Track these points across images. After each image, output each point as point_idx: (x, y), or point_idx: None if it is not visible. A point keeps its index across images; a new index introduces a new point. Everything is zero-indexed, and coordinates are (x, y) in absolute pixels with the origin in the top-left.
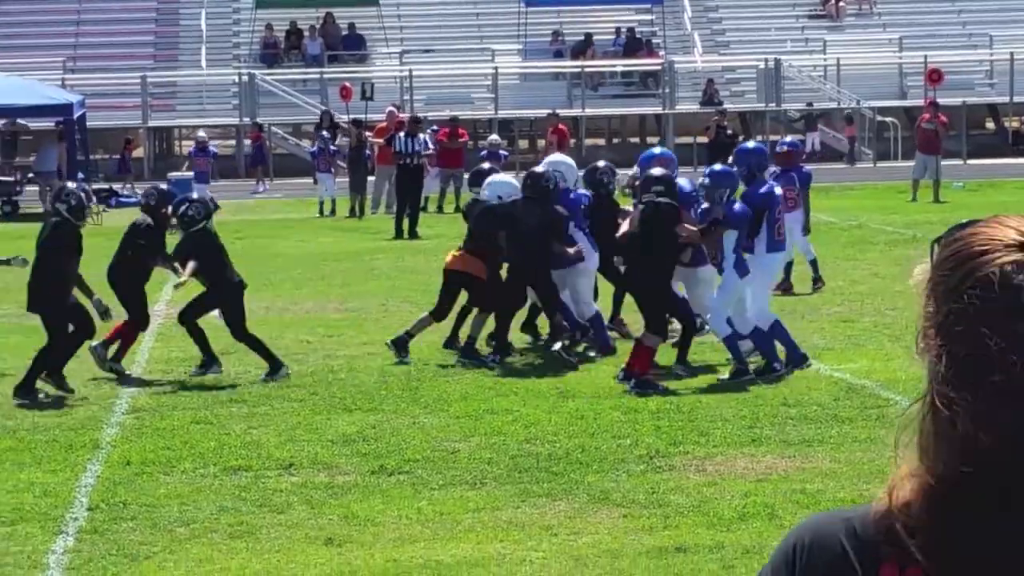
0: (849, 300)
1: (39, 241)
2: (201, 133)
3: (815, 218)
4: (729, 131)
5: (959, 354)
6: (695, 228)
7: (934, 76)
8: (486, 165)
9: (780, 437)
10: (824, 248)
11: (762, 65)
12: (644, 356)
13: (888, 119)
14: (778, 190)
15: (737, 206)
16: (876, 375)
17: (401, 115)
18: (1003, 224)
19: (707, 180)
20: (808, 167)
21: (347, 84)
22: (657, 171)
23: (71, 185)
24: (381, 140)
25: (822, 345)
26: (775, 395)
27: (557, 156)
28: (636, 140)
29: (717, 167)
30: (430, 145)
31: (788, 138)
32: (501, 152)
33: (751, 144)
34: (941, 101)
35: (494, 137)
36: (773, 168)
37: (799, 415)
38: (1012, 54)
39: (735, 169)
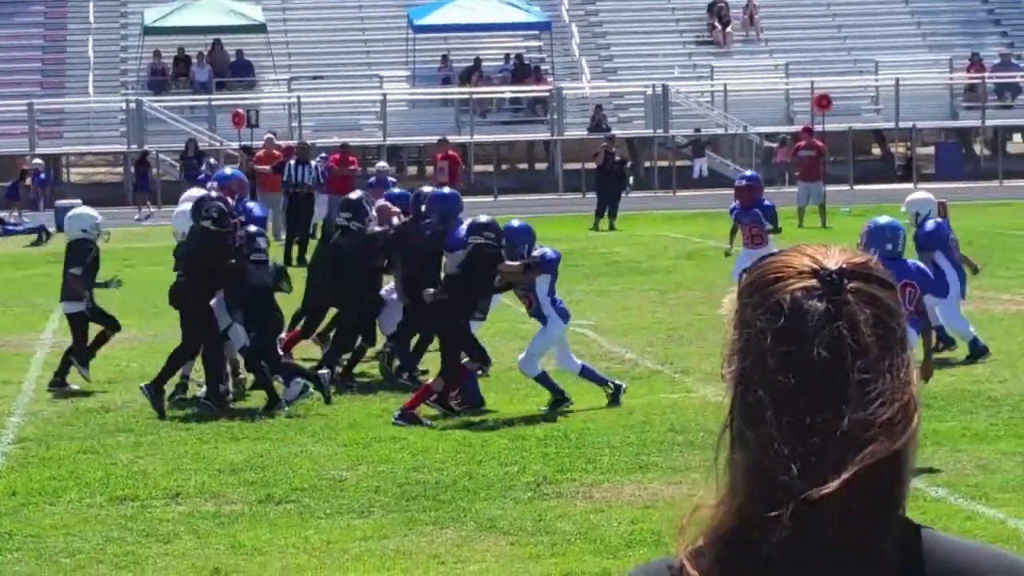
0: None
1: None
2: (37, 160)
3: (705, 243)
4: (617, 157)
5: (749, 382)
6: (517, 264)
7: (823, 102)
8: (355, 194)
9: (667, 463)
10: (712, 274)
11: (650, 91)
12: (422, 395)
13: (775, 145)
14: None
15: (549, 251)
16: None
17: (289, 142)
18: (801, 252)
19: (506, 239)
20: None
21: (239, 111)
22: (484, 218)
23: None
24: (267, 167)
25: (709, 371)
26: (662, 422)
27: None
28: (524, 166)
29: (515, 223)
30: (320, 172)
31: (748, 172)
32: (389, 179)
33: (447, 190)
34: (828, 127)
35: (382, 164)
36: (734, 204)
37: (686, 441)
38: (897, 80)
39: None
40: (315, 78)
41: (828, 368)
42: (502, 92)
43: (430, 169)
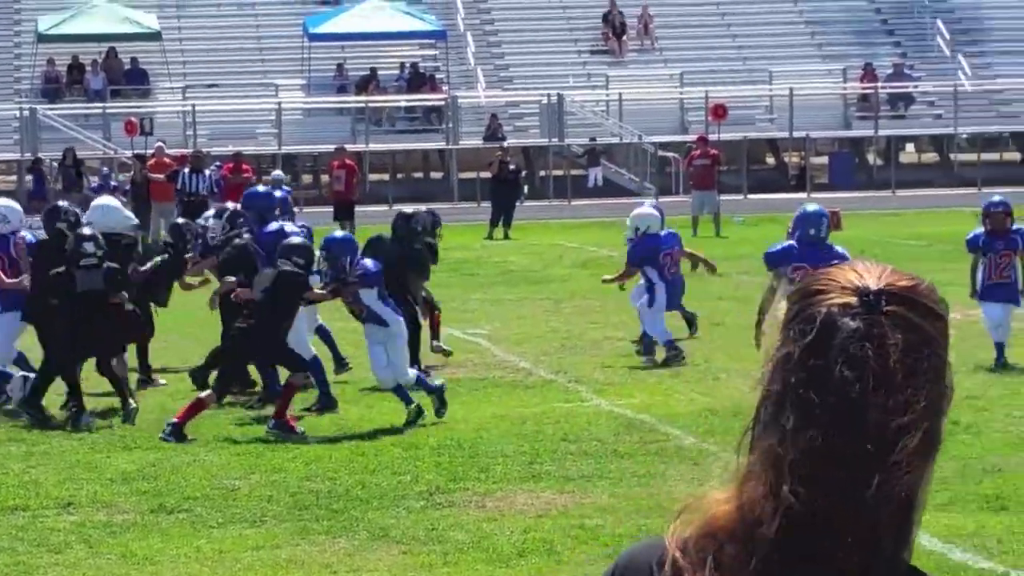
0: (632, 335)
1: None
2: None
3: (600, 252)
4: (512, 166)
5: (775, 390)
6: (324, 292)
7: (719, 111)
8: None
9: (560, 472)
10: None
11: (545, 100)
12: (288, 394)
13: (670, 154)
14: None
15: (369, 263)
16: (656, 410)
17: (184, 151)
18: (851, 267)
19: (324, 252)
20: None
21: (132, 119)
22: (296, 240)
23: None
24: (160, 176)
25: (603, 380)
26: (555, 431)
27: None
28: (420, 175)
29: (338, 234)
30: (214, 181)
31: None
32: (284, 188)
33: (261, 188)
34: (722, 136)
35: (277, 173)
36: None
37: (579, 450)
38: (791, 89)
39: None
40: (210, 86)
41: (849, 389)
42: (397, 101)
43: (325, 178)
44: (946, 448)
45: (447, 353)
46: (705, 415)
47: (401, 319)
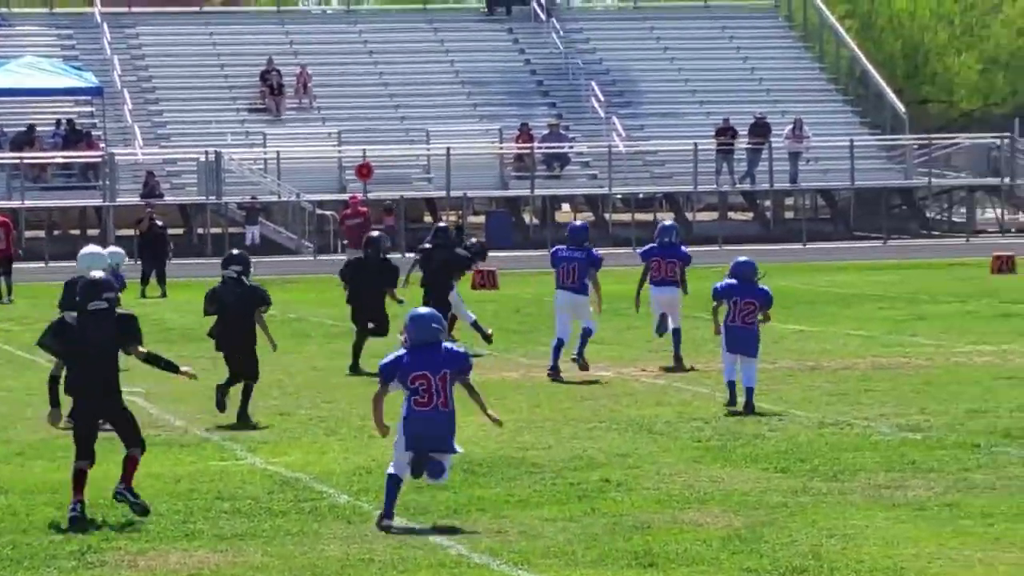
0: (286, 393)
1: None
2: None
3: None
4: (159, 223)
5: None
6: None
7: (364, 171)
8: None
9: (213, 531)
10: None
11: (203, 158)
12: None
13: (328, 212)
14: None
15: None
16: (311, 468)
17: None
18: None
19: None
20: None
21: None
22: (235, 251)
23: None
24: None
25: (259, 438)
26: (209, 489)
27: None
28: (77, 232)
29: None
30: None
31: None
32: None
33: None
34: (381, 195)
35: None
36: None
37: (233, 508)
38: (448, 149)
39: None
40: None
41: None
42: (53, 158)
43: None
44: (596, 505)
45: None
46: (360, 473)
47: None
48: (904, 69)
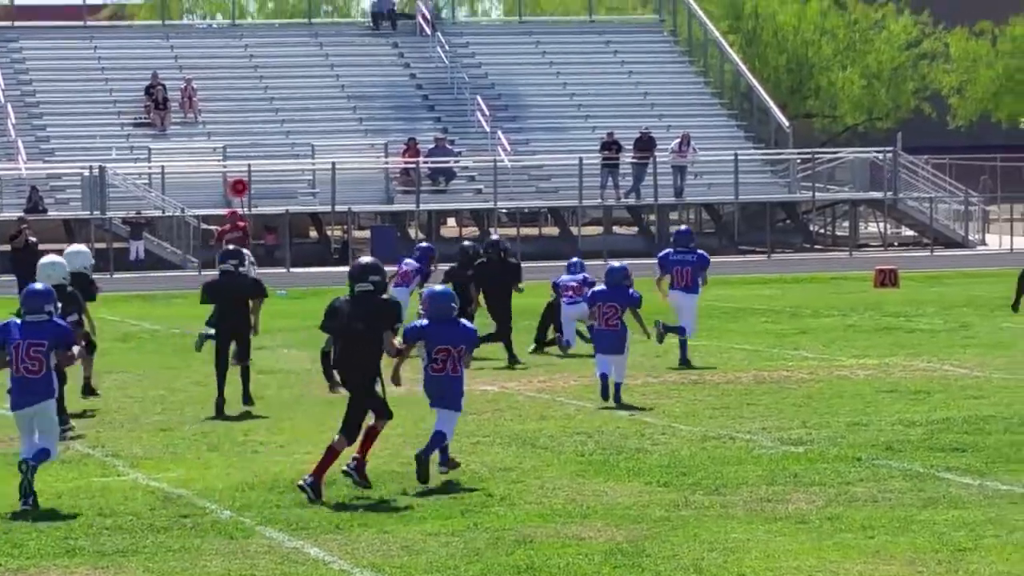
0: (169, 409)
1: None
2: None
3: (141, 326)
4: (33, 238)
5: None
6: None
7: (238, 187)
8: None
9: (95, 548)
10: (148, 356)
11: (87, 172)
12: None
13: (213, 227)
14: None
15: None
16: (193, 484)
17: None
18: None
19: None
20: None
21: None
22: (231, 247)
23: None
24: None
25: (141, 454)
26: (91, 505)
27: None
28: None
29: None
30: None
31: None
32: None
33: None
34: (265, 209)
35: None
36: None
37: (114, 525)
38: (334, 164)
39: None
40: None
41: None
42: None
43: None
44: (479, 520)
45: None
46: (243, 488)
47: None
48: (788, 84)
